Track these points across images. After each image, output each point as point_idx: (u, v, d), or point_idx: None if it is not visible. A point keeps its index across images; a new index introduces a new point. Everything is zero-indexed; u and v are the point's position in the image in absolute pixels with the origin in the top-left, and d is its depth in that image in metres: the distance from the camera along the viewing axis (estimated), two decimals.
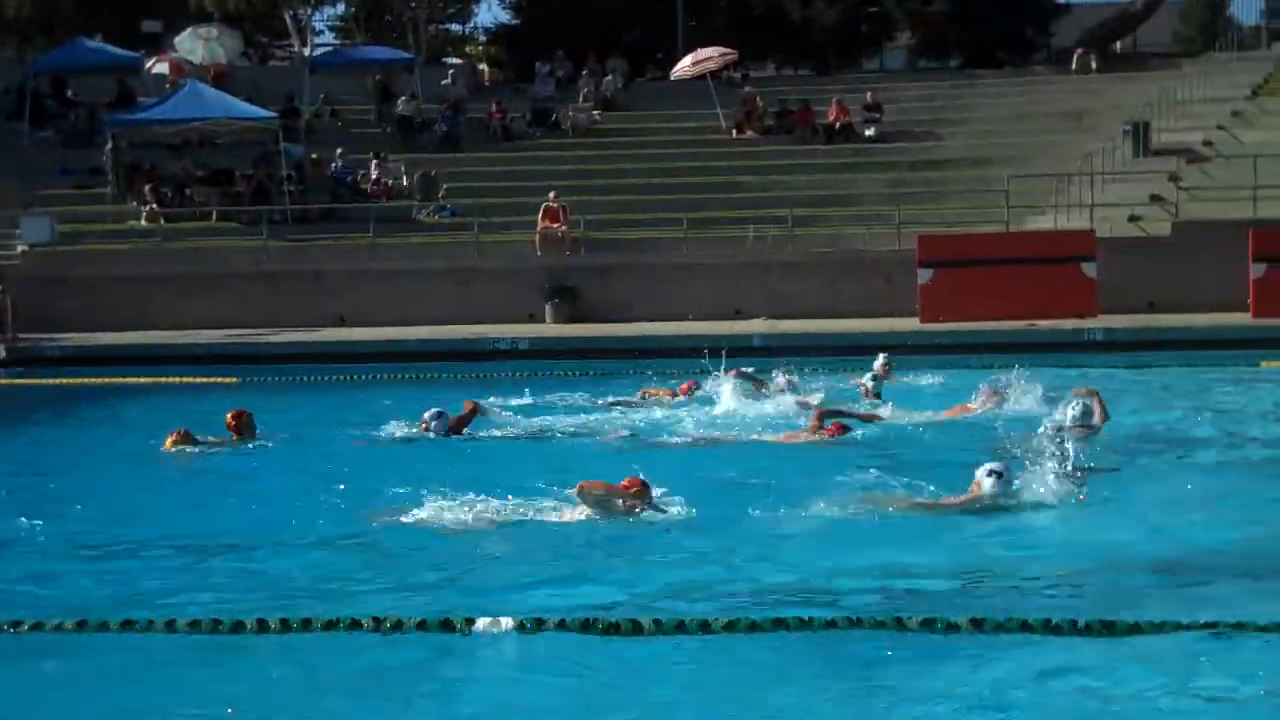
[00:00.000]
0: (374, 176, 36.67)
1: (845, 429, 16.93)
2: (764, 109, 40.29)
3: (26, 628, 9.55)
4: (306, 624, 9.47)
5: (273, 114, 37.44)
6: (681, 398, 20.18)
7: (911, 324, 28.39)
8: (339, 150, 37.57)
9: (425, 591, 10.65)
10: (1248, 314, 28.14)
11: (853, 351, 25.25)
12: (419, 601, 10.18)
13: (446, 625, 9.32)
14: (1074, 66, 43.51)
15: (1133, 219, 31.80)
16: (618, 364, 25.50)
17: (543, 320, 31.07)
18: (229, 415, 17.42)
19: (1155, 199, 32.51)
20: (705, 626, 9.24)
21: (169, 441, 17.07)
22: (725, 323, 29.30)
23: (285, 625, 9.44)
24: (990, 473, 12.73)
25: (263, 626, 9.43)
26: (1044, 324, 27.29)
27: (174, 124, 36.43)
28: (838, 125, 39.39)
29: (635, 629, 9.24)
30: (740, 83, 43.69)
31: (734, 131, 39.94)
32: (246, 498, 14.49)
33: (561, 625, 9.30)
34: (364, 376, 25.02)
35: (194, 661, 9.11)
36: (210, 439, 17.22)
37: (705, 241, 32.93)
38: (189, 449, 16.99)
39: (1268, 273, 28.29)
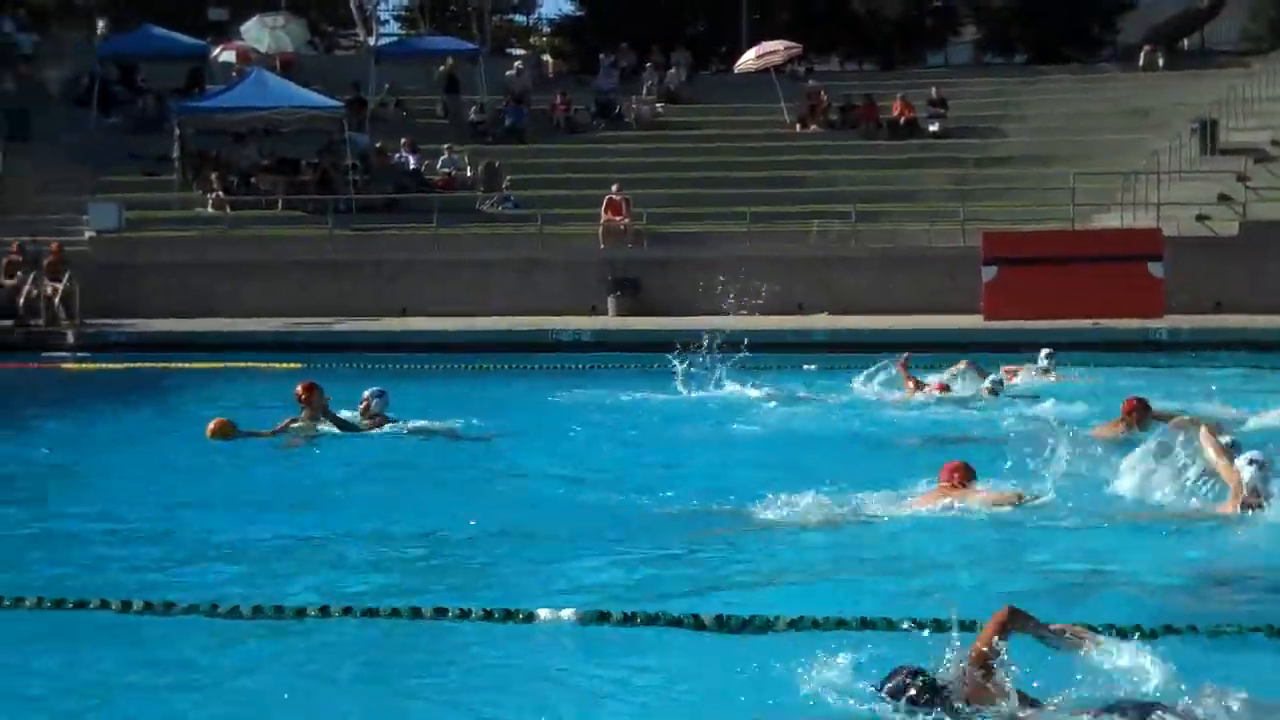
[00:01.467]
0: (440, 167, 36.78)
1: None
2: (828, 103, 40.18)
3: (94, 605, 9.66)
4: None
5: (338, 103, 37.59)
6: (936, 394, 19.86)
7: (975, 321, 28.26)
8: (403, 140, 37.69)
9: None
10: None
11: (916, 348, 25.19)
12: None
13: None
14: (1140, 63, 43.18)
15: (1200, 218, 31.55)
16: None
17: (604, 312, 31.09)
18: (299, 386, 17.43)
19: (1223, 198, 32.25)
20: None
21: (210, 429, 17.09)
22: (787, 317, 29.25)
23: (345, 612, 9.51)
24: (1250, 461, 12.09)
25: (344, 611, 9.51)
26: (1109, 323, 27.11)
27: (240, 112, 36.59)
28: (902, 120, 39.24)
29: None
30: (804, 77, 43.60)
31: (797, 126, 39.86)
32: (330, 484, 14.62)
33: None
34: (424, 366, 25.11)
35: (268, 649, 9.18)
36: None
37: (767, 235, 32.87)
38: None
39: None
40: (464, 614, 9.46)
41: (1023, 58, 50.05)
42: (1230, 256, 29.63)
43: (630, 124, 40.57)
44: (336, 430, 17.07)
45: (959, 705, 7.19)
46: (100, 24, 46.70)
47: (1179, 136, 34.91)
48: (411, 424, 17.47)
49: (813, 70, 46.12)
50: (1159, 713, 7.02)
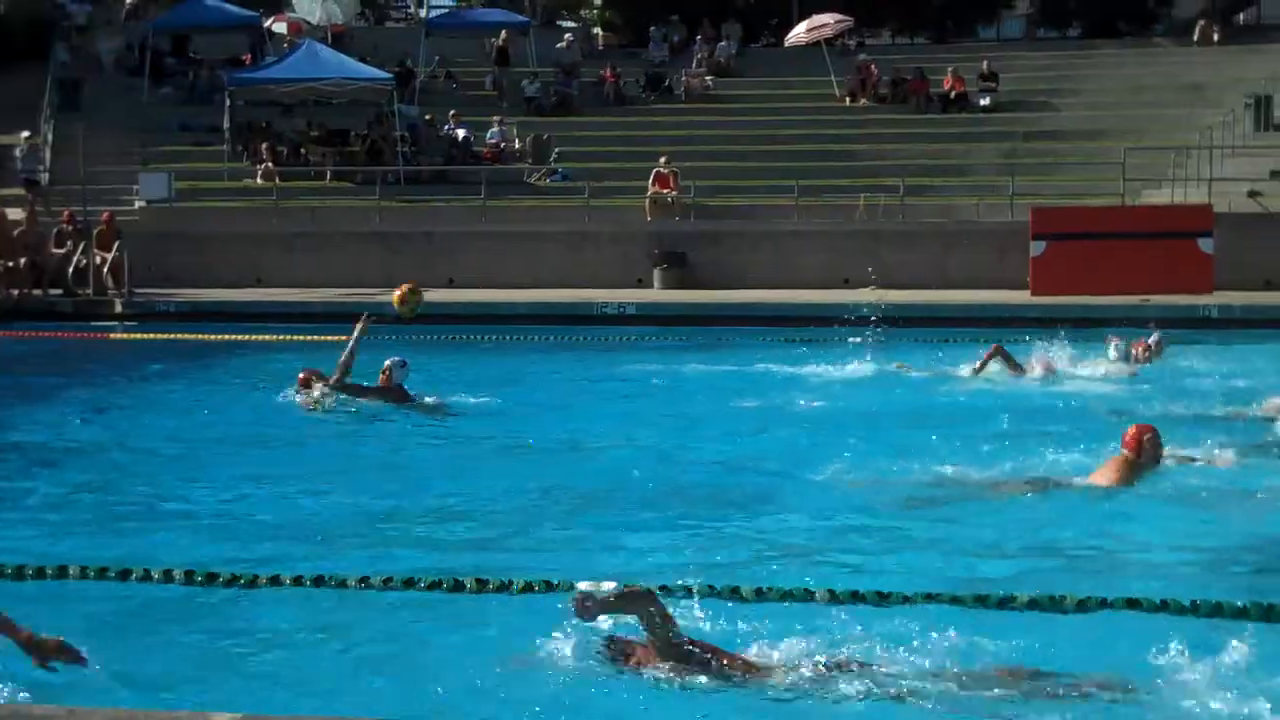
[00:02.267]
0: (489, 139, 36.81)
1: None
2: (878, 77, 40.00)
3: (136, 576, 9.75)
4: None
5: (388, 75, 37.66)
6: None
7: (1023, 296, 28.11)
8: (451, 112, 37.72)
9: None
10: None
11: (965, 323, 25.16)
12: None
13: None
14: (1195, 37, 42.74)
15: (1252, 194, 31.27)
16: (727, 330, 25.55)
17: (650, 286, 31.06)
18: (387, 364, 17.32)
19: (1276, 175, 31.93)
20: None
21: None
22: (834, 291, 29.16)
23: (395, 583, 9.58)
24: None
25: (367, 583, 9.57)
26: (1158, 299, 26.91)
27: (291, 83, 36.75)
28: (952, 94, 39.03)
29: None
30: (855, 50, 43.39)
31: (848, 99, 39.73)
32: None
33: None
34: (471, 337, 25.18)
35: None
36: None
37: (815, 209, 32.76)
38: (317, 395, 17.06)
39: None
40: (504, 586, 9.50)
41: (1076, 31, 49.67)
42: None
43: (680, 97, 40.50)
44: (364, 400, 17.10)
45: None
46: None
47: (1232, 112, 34.61)
48: (428, 398, 17.37)
49: (864, 44, 45.89)
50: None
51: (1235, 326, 25.39)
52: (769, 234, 31.75)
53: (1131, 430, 12.65)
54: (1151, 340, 20.32)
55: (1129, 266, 27.74)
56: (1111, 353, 19.81)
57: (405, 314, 18.41)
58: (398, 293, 18.39)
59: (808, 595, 9.28)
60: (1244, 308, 26.51)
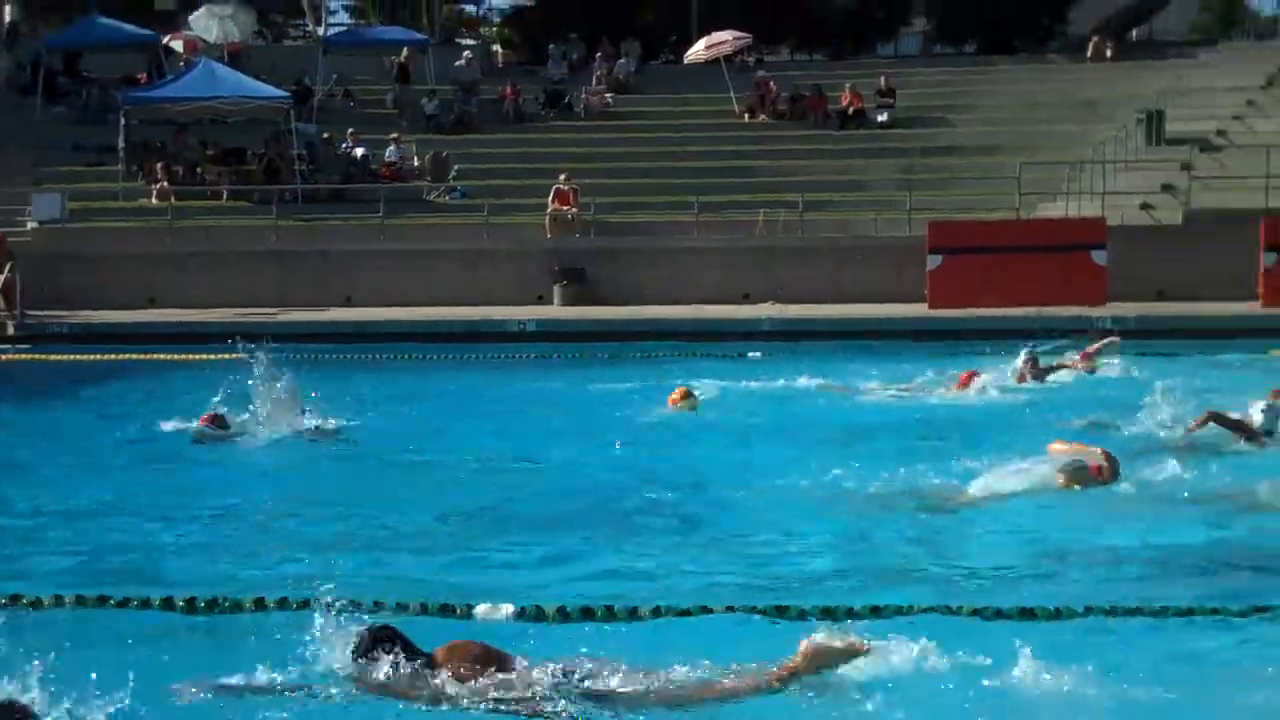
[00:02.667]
0: (387, 158, 36.63)
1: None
2: (777, 94, 40.19)
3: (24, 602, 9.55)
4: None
5: (286, 93, 37.40)
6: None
7: (920, 310, 28.32)
8: (350, 130, 37.52)
9: None
10: (1258, 303, 28.06)
11: (861, 336, 25.31)
12: None
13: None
14: (1089, 54, 43.28)
15: (1144, 207, 31.71)
16: (627, 346, 25.53)
17: (550, 302, 31.02)
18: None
19: (1167, 188, 32.41)
20: None
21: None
22: (734, 306, 29.28)
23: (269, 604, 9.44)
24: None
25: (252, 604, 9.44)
26: (1052, 311, 27.18)
27: (187, 102, 36.43)
28: (850, 111, 39.29)
29: None
30: (754, 67, 43.57)
31: (746, 116, 39.90)
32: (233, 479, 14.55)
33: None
34: (369, 356, 25.01)
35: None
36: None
37: (715, 225, 32.87)
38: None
39: (1278, 262, 28.20)
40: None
41: (972, 48, 50.16)
42: (1173, 245, 29.78)
43: (579, 114, 40.53)
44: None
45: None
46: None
47: (1125, 127, 35.08)
48: (325, 420, 16.94)
49: (762, 60, 46.06)
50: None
51: (1129, 337, 25.66)
52: (667, 250, 31.81)
53: (1099, 452, 12.90)
54: (1092, 349, 20.82)
55: (1024, 279, 28.03)
56: (1019, 364, 20.04)
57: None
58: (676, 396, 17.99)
59: (704, 611, 9.26)
60: (1138, 319, 26.83)
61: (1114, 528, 11.65)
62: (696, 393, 18.17)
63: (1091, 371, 20.76)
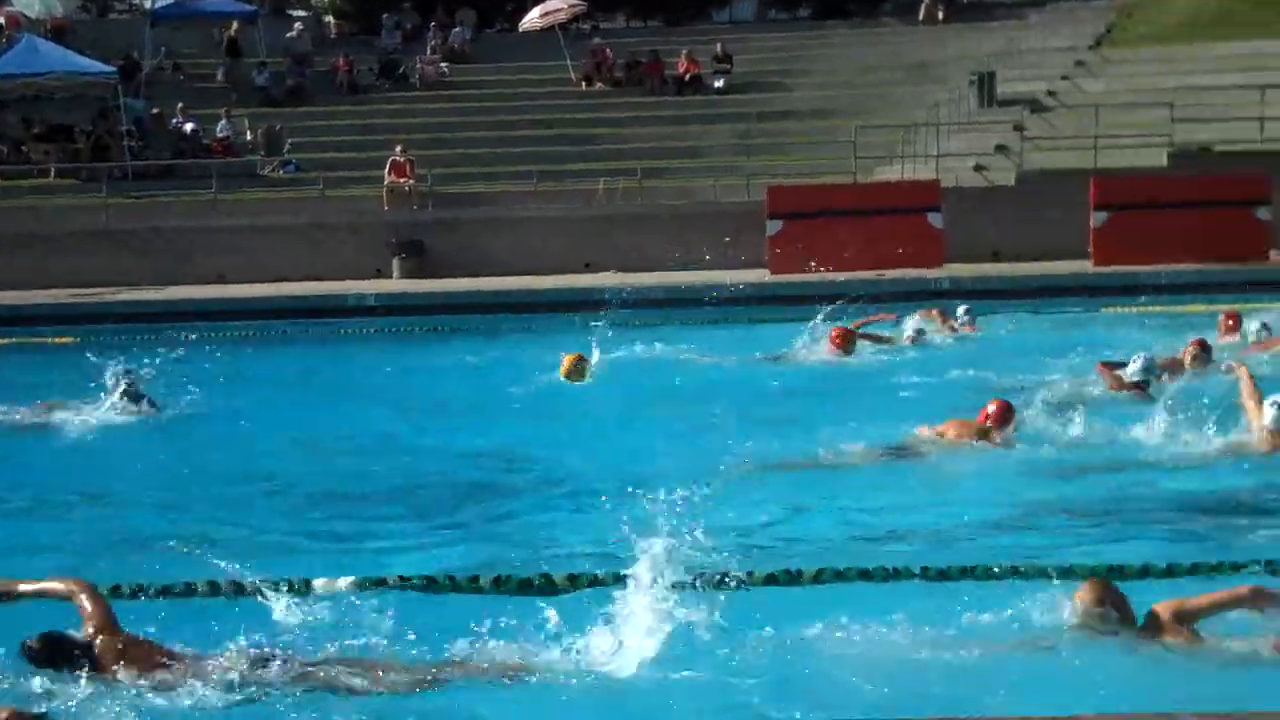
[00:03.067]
0: (219, 132, 36.01)
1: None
2: (613, 61, 40.09)
3: None
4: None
5: (112, 68, 36.57)
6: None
7: (761, 275, 28.41)
8: (179, 105, 36.81)
9: None
10: (1089, 262, 28.53)
11: (707, 304, 25.32)
12: None
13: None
14: (921, 17, 43.70)
15: (978, 169, 32.08)
16: (466, 319, 25.35)
17: (389, 275, 30.71)
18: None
19: (1000, 149, 32.81)
20: None
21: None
22: (576, 275, 29.19)
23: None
24: (1274, 404, 12.54)
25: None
26: (892, 273, 27.43)
27: (9, 79, 35.44)
28: (687, 77, 39.30)
29: None
30: (589, 34, 43.42)
31: (583, 84, 39.74)
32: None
33: None
34: (211, 335, 24.57)
35: None
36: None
37: (554, 195, 32.73)
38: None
39: (1108, 221, 28.67)
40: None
41: (807, 13, 50.42)
42: (1007, 206, 30.16)
43: (415, 84, 40.11)
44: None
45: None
46: None
47: (958, 89, 35.46)
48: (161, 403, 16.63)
49: (598, 28, 45.95)
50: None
51: (966, 298, 25.94)
52: (507, 220, 31.65)
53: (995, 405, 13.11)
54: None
55: (863, 242, 28.16)
56: (908, 330, 20.37)
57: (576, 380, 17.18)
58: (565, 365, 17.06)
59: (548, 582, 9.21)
60: (974, 279, 27.17)
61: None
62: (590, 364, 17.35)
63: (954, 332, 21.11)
